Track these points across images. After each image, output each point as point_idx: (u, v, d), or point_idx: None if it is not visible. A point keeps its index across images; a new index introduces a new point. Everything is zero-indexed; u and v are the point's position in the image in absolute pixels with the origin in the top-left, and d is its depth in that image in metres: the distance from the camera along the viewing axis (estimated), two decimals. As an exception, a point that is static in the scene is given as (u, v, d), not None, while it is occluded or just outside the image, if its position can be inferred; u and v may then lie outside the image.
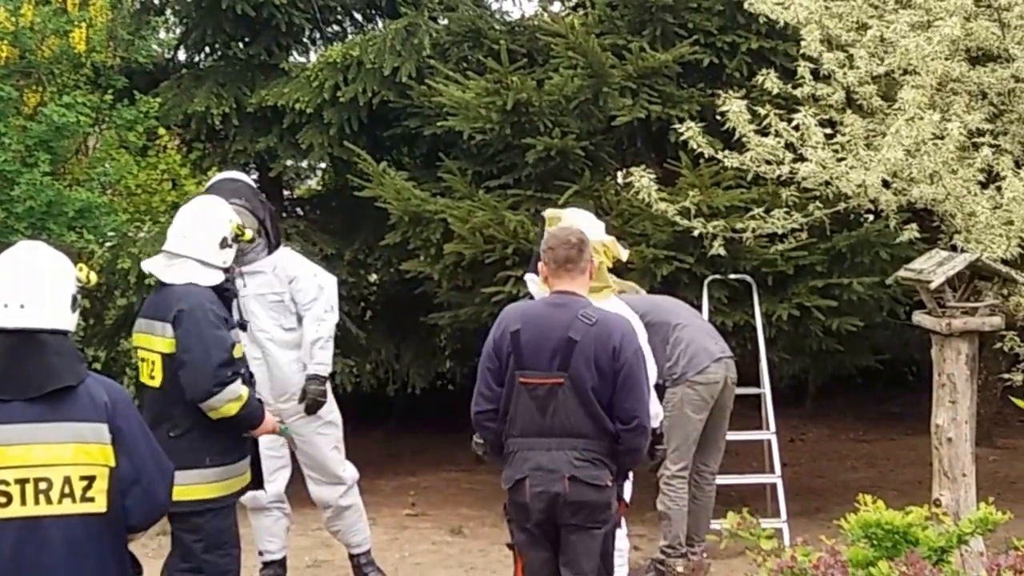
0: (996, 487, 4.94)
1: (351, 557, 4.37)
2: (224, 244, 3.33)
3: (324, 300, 4.17)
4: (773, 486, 5.12)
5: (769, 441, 5.26)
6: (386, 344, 6.25)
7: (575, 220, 3.44)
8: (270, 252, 4.15)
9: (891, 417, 7.73)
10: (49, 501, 2.06)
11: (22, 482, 2.06)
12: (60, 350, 2.14)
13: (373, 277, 6.65)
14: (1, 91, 5.57)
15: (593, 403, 2.93)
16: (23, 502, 2.06)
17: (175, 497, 2.64)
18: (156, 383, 3.20)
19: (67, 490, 2.07)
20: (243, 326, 3.59)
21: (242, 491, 3.35)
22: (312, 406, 4.13)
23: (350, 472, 4.29)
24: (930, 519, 2.12)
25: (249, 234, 3.57)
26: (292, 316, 4.18)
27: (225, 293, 3.31)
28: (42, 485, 2.06)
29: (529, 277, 3.53)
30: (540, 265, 3.14)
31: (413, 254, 5.72)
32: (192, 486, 3.11)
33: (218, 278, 3.27)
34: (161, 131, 6.31)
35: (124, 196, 6.25)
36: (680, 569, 4.33)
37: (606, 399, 2.93)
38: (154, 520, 2.28)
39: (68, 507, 2.07)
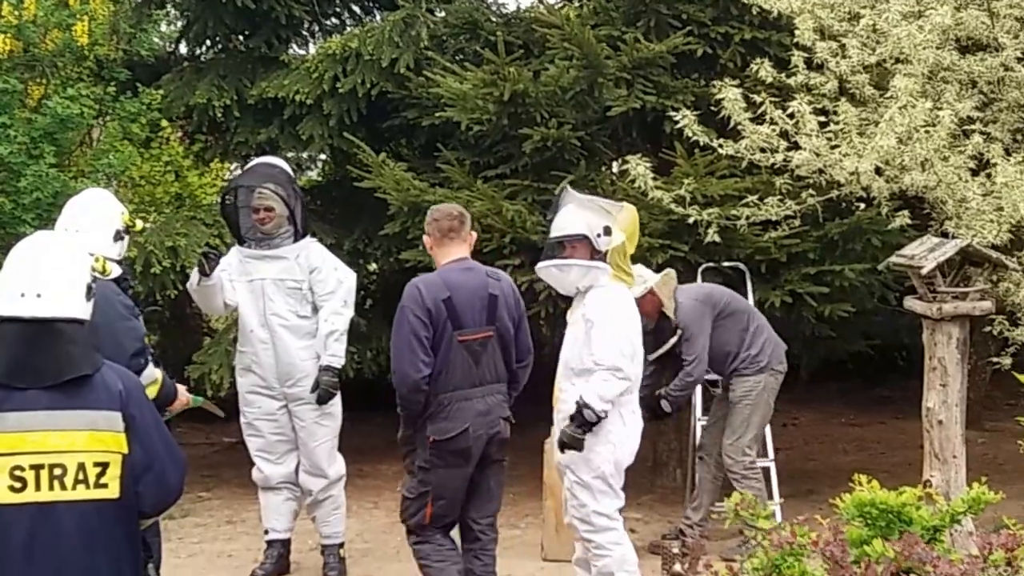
0: (984, 469, 4.91)
1: (321, 545, 4.37)
2: (118, 236, 3.25)
3: (342, 294, 4.18)
4: (766, 469, 5.10)
5: (763, 425, 5.23)
6: (386, 332, 6.08)
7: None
8: (295, 240, 4.16)
9: (881, 402, 7.72)
10: (63, 487, 2.07)
11: (37, 468, 2.06)
12: (76, 339, 2.13)
13: (373, 266, 6.62)
14: (6, 84, 5.54)
15: (511, 348, 3.39)
16: (37, 487, 2.06)
17: None
18: None
19: (81, 476, 2.08)
20: (145, 314, 3.46)
21: None
22: (324, 396, 4.13)
23: (336, 468, 4.28)
24: (922, 499, 2.09)
25: (139, 224, 3.42)
26: (308, 305, 4.17)
27: (122, 284, 3.22)
28: (56, 471, 2.07)
29: (541, 268, 3.59)
30: (426, 237, 3.50)
31: (412, 243, 5.67)
32: None
33: (116, 271, 3.18)
34: (164, 123, 6.29)
35: (128, 187, 6.24)
36: (675, 551, 4.31)
37: (514, 342, 3.39)
38: (167, 506, 2.29)
39: (82, 493, 2.08)
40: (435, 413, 3.29)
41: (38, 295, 2.11)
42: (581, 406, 3.33)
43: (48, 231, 2.40)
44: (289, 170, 4.42)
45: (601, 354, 3.36)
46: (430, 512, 3.35)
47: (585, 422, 3.33)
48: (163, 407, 3.28)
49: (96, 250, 3.14)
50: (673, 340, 4.42)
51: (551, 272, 3.51)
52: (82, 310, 2.17)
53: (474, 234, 3.53)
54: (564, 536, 4.35)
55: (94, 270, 2.27)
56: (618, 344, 3.39)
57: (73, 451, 2.08)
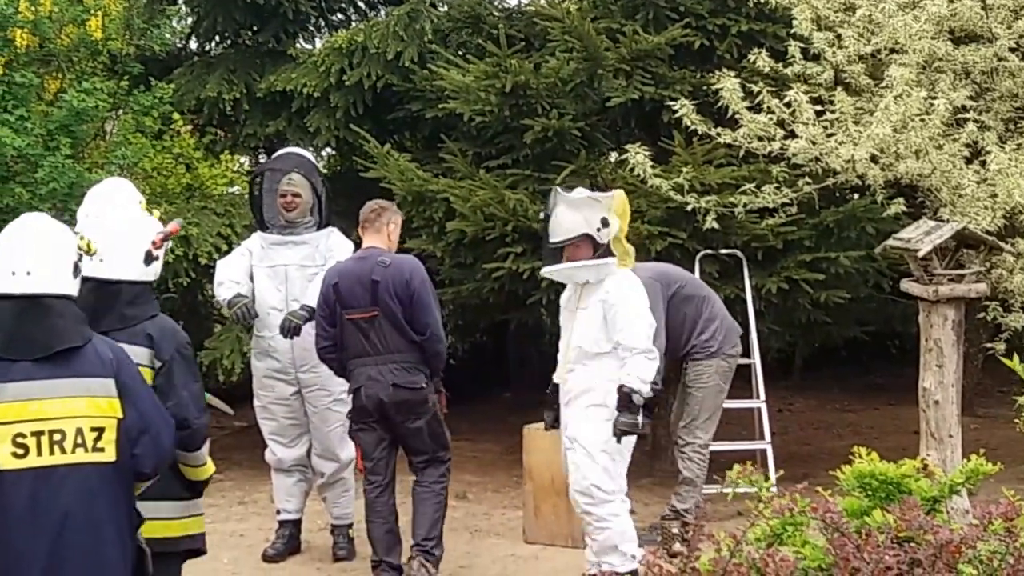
0: (978, 453, 4.88)
1: (331, 526, 4.35)
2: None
3: None
4: (763, 452, 5.04)
5: (759, 409, 5.19)
6: (392, 319, 6.16)
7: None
8: (318, 229, 4.18)
9: (875, 388, 7.66)
10: (63, 451, 2.12)
11: (38, 434, 2.12)
12: (64, 313, 2.20)
13: (379, 255, 6.54)
14: (23, 78, 5.50)
15: (402, 324, 3.69)
16: (39, 453, 2.12)
17: None
18: None
19: (79, 440, 2.14)
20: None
21: None
22: (286, 326, 4.06)
23: (347, 452, 4.24)
24: (921, 471, 2.03)
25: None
26: None
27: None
28: (56, 436, 2.12)
29: (551, 271, 3.60)
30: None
31: (416, 232, 5.63)
32: None
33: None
34: (175, 116, 6.24)
35: (141, 178, 6.17)
36: (675, 531, 4.25)
37: (408, 319, 3.69)
38: (161, 466, 2.34)
39: (81, 456, 2.14)
40: (347, 374, 3.83)
41: (28, 273, 2.18)
42: (628, 393, 3.33)
43: (38, 213, 2.42)
44: (313, 159, 4.46)
45: (633, 339, 3.39)
46: (360, 467, 3.86)
47: (635, 407, 3.34)
48: None
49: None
50: None
51: (562, 274, 3.56)
52: (69, 286, 2.23)
53: (393, 226, 3.88)
54: (544, 519, 4.34)
55: (80, 249, 2.32)
56: (645, 328, 3.44)
57: (71, 416, 2.14)
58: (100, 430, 2.15)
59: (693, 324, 4.36)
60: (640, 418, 3.35)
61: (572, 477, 3.51)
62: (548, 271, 3.60)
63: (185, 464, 2.63)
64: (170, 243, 2.73)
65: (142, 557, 2.27)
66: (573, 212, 3.47)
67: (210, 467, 2.70)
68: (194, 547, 2.72)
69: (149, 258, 2.65)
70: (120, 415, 2.19)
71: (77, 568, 2.12)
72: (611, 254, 3.45)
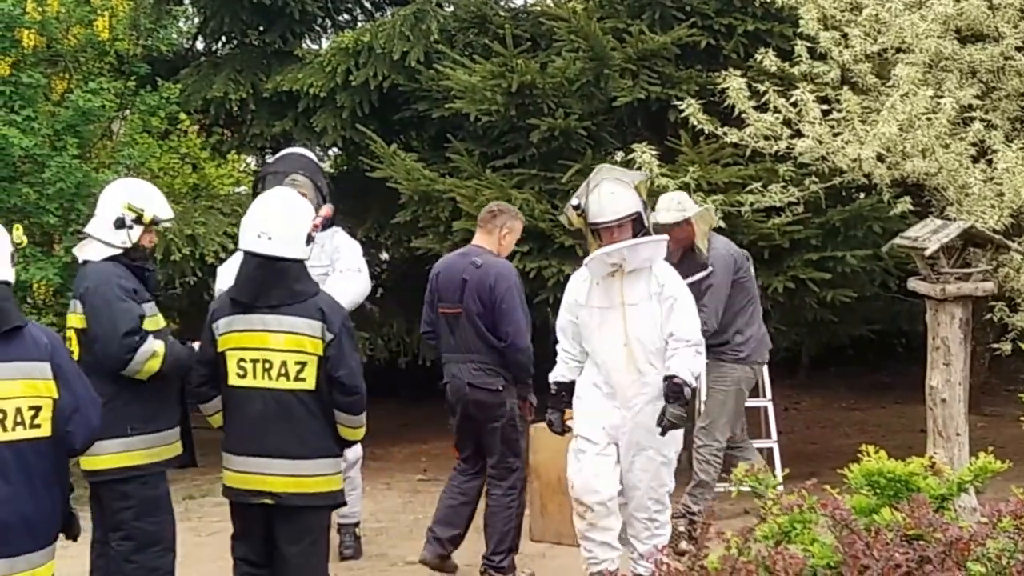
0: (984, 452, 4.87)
1: (338, 524, 4.32)
2: (120, 224, 3.16)
3: (358, 281, 4.07)
4: (770, 451, 5.04)
5: (766, 408, 5.18)
6: (397, 318, 6.19)
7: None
8: (323, 229, 4.14)
9: (882, 387, 7.64)
10: (4, 429, 2.31)
11: None
12: (6, 296, 2.40)
13: (385, 255, 6.59)
14: (30, 78, 5.52)
15: (480, 327, 3.71)
16: None
17: (101, 466, 3.06)
18: (75, 357, 3.07)
19: (19, 419, 2.33)
20: (156, 299, 3.39)
21: (172, 460, 3.22)
22: None
23: (354, 451, 4.21)
24: (928, 469, 2.03)
25: (23, 238, 3.17)
26: None
27: (136, 269, 3.17)
28: None
29: (613, 250, 3.37)
30: None
31: (423, 232, 5.65)
32: (117, 454, 3.07)
33: (108, 252, 3.15)
34: (182, 116, 6.27)
35: (148, 178, 6.19)
36: (681, 529, 4.25)
37: (490, 324, 3.69)
38: (91, 442, 2.55)
39: (20, 433, 2.33)
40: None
41: None
42: (680, 385, 3.24)
43: None
44: (316, 160, 4.42)
45: (689, 332, 3.31)
46: (456, 452, 3.95)
47: (684, 399, 3.27)
48: (183, 374, 3.17)
49: (96, 234, 3.18)
50: (701, 275, 4.07)
51: (622, 253, 3.30)
52: (7, 273, 2.44)
53: (507, 231, 3.85)
54: (550, 518, 4.34)
55: (13, 242, 2.50)
56: (697, 321, 3.39)
57: (11, 397, 2.32)
58: (37, 408, 2.35)
59: (733, 319, 4.20)
60: (683, 411, 3.28)
61: (648, 484, 3.34)
62: (610, 249, 3.25)
63: (346, 426, 3.01)
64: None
65: (72, 521, 2.53)
66: (626, 189, 3.32)
67: (364, 428, 3.05)
68: (343, 500, 3.12)
69: (309, 239, 2.99)
70: (55, 395, 2.37)
71: (17, 532, 2.31)
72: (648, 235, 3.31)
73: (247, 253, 3.01)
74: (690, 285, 4.01)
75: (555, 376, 3.53)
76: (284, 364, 2.90)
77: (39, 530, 2.36)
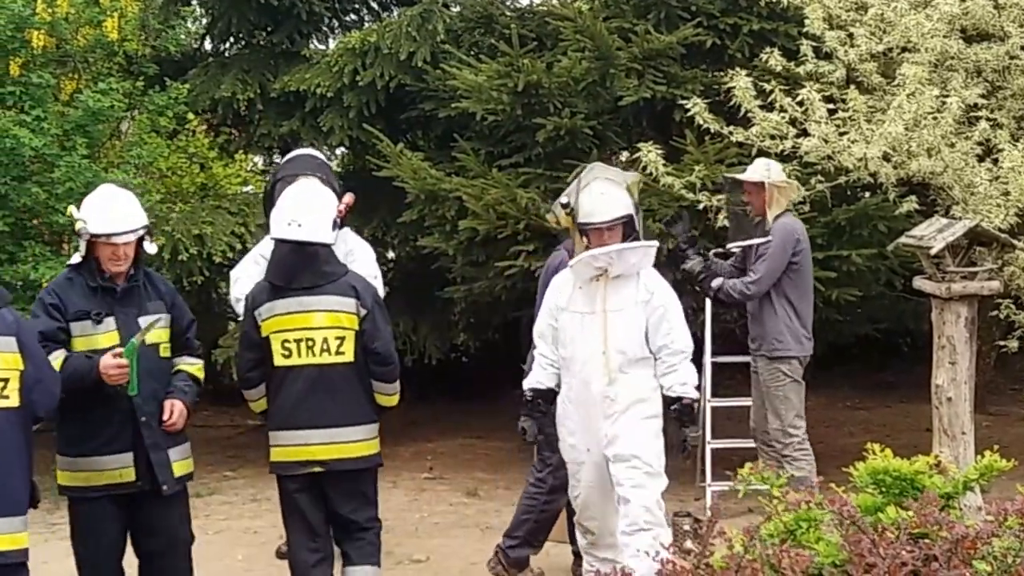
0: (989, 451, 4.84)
1: None
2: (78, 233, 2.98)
3: (376, 283, 4.06)
4: (775, 449, 5.02)
5: (770, 407, 5.15)
6: (404, 318, 6.19)
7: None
8: (334, 229, 4.13)
9: (886, 386, 7.62)
10: None
11: None
12: None
13: (391, 254, 6.61)
14: (40, 79, 5.55)
15: None
16: None
17: None
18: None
19: None
20: (98, 317, 3.05)
21: (114, 486, 3.00)
22: None
23: None
24: (934, 467, 2.03)
25: (80, 225, 3.03)
26: None
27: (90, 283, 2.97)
28: None
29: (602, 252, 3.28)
30: None
31: (429, 231, 5.66)
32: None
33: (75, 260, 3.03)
34: (190, 116, 6.29)
35: (156, 178, 6.24)
36: (686, 527, 4.25)
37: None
38: (52, 410, 2.75)
39: None
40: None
41: None
42: (690, 405, 3.17)
43: None
44: (326, 160, 4.40)
45: (683, 343, 3.21)
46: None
47: (695, 416, 3.23)
48: (83, 387, 2.87)
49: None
50: (758, 241, 4.03)
51: (610, 257, 3.18)
52: None
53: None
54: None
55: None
56: (688, 330, 3.27)
57: None
58: (6, 380, 2.53)
59: (782, 303, 4.06)
60: (697, 429, 3.23)
61: (633, 494, 3.17)
62: (601, 252, 3.13)
63: (382, 393, 3.24)
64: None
65: (33, 488, 2.70)
66: (618, 190, 3.19)
67: (398, 395, 3.26)
68: (381, 461, 3.32)
69: (335, 225, 3.20)
70: (22, 367, 2.57)
71: None
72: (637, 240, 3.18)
73: (279, 241, 3.21)
74: (745, 249, 4.13)
75: (531, 383, 3.34)
76: (325, 340, 3.11)
77: (13, 496, 2.55)
